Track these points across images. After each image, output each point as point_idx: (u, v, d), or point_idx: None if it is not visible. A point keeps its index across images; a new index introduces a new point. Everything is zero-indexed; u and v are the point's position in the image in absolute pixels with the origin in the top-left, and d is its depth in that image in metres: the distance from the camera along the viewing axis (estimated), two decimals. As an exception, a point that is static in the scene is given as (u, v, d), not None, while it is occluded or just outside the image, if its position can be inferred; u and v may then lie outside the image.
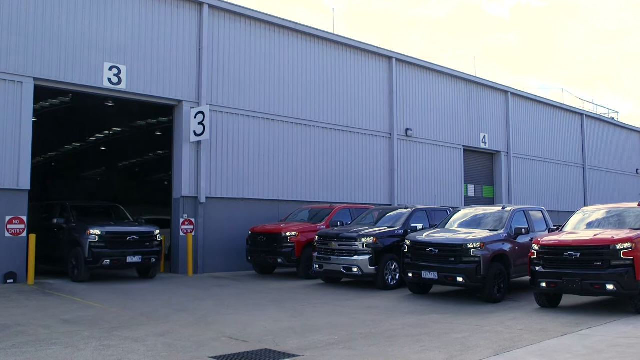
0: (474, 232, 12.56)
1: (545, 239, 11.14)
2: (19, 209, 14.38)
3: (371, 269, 13.60)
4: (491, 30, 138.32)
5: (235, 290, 13.96)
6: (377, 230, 14.21)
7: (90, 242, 14.23)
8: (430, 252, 12.12)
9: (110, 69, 15.92)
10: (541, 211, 14.55)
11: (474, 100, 27.03)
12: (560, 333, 8.70)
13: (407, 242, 12.78)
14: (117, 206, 17.59)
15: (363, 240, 13.73)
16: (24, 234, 14.38)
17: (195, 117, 17.07)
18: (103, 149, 33.42)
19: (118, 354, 7.39)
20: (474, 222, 13.46)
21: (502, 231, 12.60)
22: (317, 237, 14.84)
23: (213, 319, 9.99)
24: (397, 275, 13.92)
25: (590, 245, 10.34)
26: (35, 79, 14.73)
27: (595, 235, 10.69)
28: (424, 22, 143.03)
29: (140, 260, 14.91)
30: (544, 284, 10.68)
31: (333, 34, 21.32)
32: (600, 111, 38.13)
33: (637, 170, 38.87)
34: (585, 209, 12.89)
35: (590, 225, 11.72)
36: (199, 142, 17.37)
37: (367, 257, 13.61)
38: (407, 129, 23.68)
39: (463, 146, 26.36)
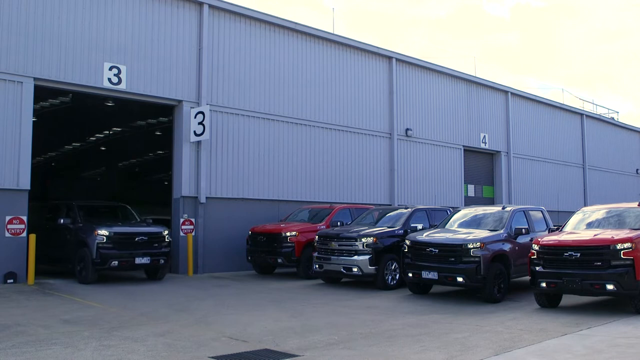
0: (474, 232, 12.56)
1: (545, 239, 11.14)
2: (19, 209, 14.37)
3: (371, 269, 13.60)
4: (491, 30, 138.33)
5: (235, 290, 13.95)
6: (377, 230, 14.21)
7: (97, 242, 13.90)
8: (430, 252, 12.12)
9: (110, 69, 15.92)
10: (541, 211, 14.55)
11: (474, 100, 27.03)
12: (560, 333, 8.70)
13: (407, 242, 12.78)
14: (124, 206, 17.15)
15: (363, 240, 13.73)
16: (24, 234, 14.37)
17: (195, 117, 17.07)
18: (103, 149, 33.44)
19: (118, 354, 7.39)
20: (474, 222, 13.46)
21: (502, 231, 12.59)
22: (317, 237, 14.84)
23: (213, 319, 9.99)
24: (397, 275, 13.91)
25: (590, 245, 10.33)
26: (35, 79, 14.73)
27: (595, 235, 10.69)
28: (424, 22, 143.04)
29: (148, 262, 14.57)
30: (544, 284, 10.68)
31: (333, 34, 21.32)
32: (600, 111, 38.16)
33: (637, 170, 38.87)
34: (585, 209, 12.88)
35: (590, 225, 11.72)
36: (199, 142, 17.37)
37: (367, 257, 13.61)
38: (407, 129, 23.67)
39: (463, 146, 26.36)
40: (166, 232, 15.16)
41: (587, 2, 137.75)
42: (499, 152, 28.33)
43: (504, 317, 10.17)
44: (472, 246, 11.73)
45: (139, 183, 39.38)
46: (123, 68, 16.12)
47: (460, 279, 11.67)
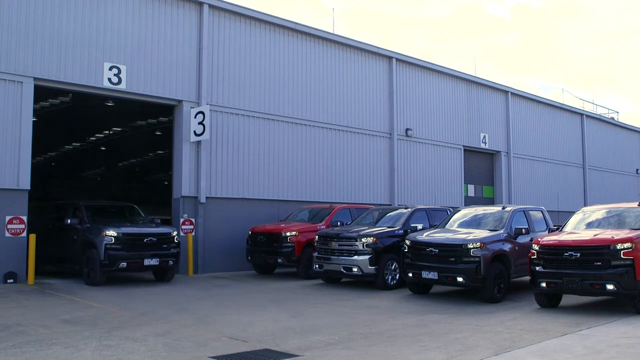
0: (474, 232, 12.55)
1: (545, 239, 11.13)
2: (19, 208, 14.37)
3: (371, 269, 13.60)
4: (491, 30, 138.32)
5: (235, 290, 13.95)
6: (377, 230, 14.21)
7: (106, 243, 13.58)
8: (430, 252, 12.12)
9: (110, 68, 15.92)
10: (541, 211, 14.55)
11: (474, 100, 27.03)
12: (560, 333, 8.70)
13: (407, 242, 12.78)
14: (132, 206, 16.76)
15: (363, 240, 13.73)
16: (24, 234, 14.37)
17: (195, 117, 17.07)
18: (103, 149, 33.44)
19: (118, 354, 7.39)
20: (474, 222, 13.46)
21: (502, 231, 12.59)
22: (317, 237, 14.84)
23: (213, 319, 9.99)
24: (397, 275, 13.91)
25: (590, 245, 10.33)
26: (35, 79, 14.73)
27: (595, 235, 10.69)
28: (424, 22, 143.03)
29: (157, 263, 14.27)
30: (544, 284, 10.68)
31: (333, 34, 21.32)
32: (600, 111, 38.16)
33: (637, 170, 38.87)
34: (585, 209, 12.88)
35: (590, 225, 11.72)
36: (199, 142, 17.37)
37: (367, 257, 13.61)
38: (407, 129, 23.67)
39: (463, 146, 26.36)
40: (175, 232, 14.89)
41: (587, 2, 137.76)
42: (499, 152, 28.33)
43: (504, 317, 10.17)
44: (472, 246, 11.73)
45: (139, 183, 39.35)
46: (123, 68, 16.12)
47: (460, 279, 11.67)
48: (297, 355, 7.44)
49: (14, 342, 8.00)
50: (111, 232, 13.73)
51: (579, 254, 10.31)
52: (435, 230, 13.28)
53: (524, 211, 13.76)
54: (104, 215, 15.63)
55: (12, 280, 14.00)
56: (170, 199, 17.89)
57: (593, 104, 48.97)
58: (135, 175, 40.41)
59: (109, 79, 15.89)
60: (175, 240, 14.77)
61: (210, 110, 17.17)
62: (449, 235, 12.61)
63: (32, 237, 14.18)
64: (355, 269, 13.73)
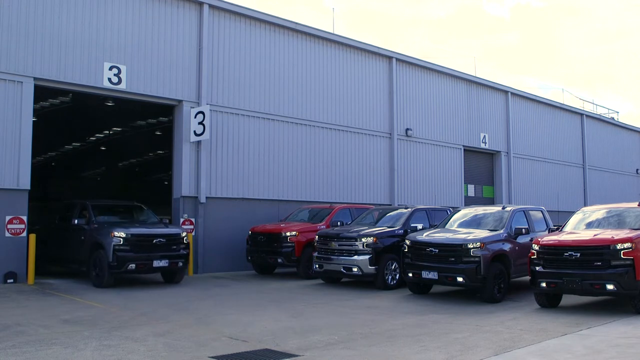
0: (474, 232, 12.55)
1: (545, 239, 11.13)
2: (19, 208, 14.37)
3: (371, 268, 13.59)
4: (491, 30, 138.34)
5: (235, 290, 13.95)
6: (377, 230, 14.21)
7: (114, 245, 13.24)
8: (430, 252, 12.12)
9: (110, 68, 15.92)
10: (541, 211, 14.55)
11: (474, 100, 27.03)
12: (560, 333, 8.70)
13: (407, 242, 12.78)
14: (140, 206, 16.29)
15: (363, 240, 13.73)
16: (24, 234, 14.36)
17: (195, 117, 17.07)
18: (103, 149, 33.43)
19: (118, 354, 7.39)
20: (474, 222, 13.46)
21: (502, 231, 12.59)
22: (317, 237, 14.84)
23: (213, 319, 9.99)
24: (397, 275, 13.91)
25: (590, 245, 10.33)
26: (35, 79, 14.73)
27: (595, 235, 10.69)
28: (424, 22, 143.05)
29: (167, 265, 13.91)
30: (544, 284, 10.68)
31: (333, 34, 21.32)
32: (600, 111, 38.16)
33: (637, 170, 38.87)
34: (585, 209, 12.88)
35: (590, 225, 11.72)
36: (199, 142, 17.37)
37: (367, 257, 13.61)
38: (407, 129, 23.68)
39: (463, 146, 26.36)
40: (184, 233, 14.58)
41: (587, 2, 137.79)
42: (499, 152, 28.33)
43: (504, 317, 10.17)
44: (472, 246, 11.73)
45: (139, 183, 39.35)
46: (123, 68, 16.12)
47: (460, 279, 11.67)
48: (297, 355, 7.44)
49: (14, 342, 8.00)
50: (120, 233, 13.43)
51: (579, 254, 10.31)
52: (435, 230, 13.28)
53: (524, 211, 13.76)
54: (112, 215, 15.29)
55: (12, 280, 14.00)
56: (170, 199, 17.89)
57: (593, 104, 49.02)
58: (135, 175, 40.42)
59: (109, 79, 15.89)
60: (185, 241, 14.45)
61: (210, 110, 17.17)
62: (449, 235, 12.61)
63: (32, 237, 14.18)
64: (355, 269, 13.73)
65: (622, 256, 9.96)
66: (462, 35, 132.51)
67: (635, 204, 11.95)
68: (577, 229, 11.67)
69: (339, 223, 15.61)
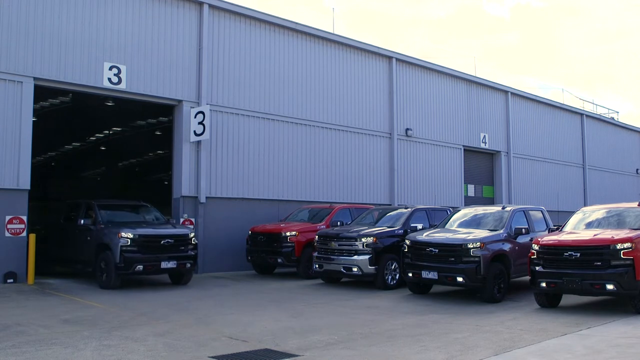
0: (473, 232, 12.55)
1: (545, 239, 11.13)
2: (19, 208, 14.37)
3: (371, 268, 13.59)
4: (491, 30, 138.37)
5: (235, 290, 13.95)
6: (377, 230, 14.21)
7: (121, 245, 12.99)
8: (430, 252, 12.12)
9: (110, 68, 15.92)
10: (541, 211, 14.55)
11: (474, 100, 27.03)
12: (560, 333, 8.70)
13: (407, 242, 12.78)
14: (147, 205, 15.96)
15: (363, 240, 13.73)
16: (24, 234, 14.36)
17: (195, 117, 17.07)
18: (103, 149, 33.42)
19: (118, 353, 7.39)
20: (474, 222, 13.46)
21: (502, 231, 12.59)
22: (317, 237, 14.84)
23: (213, 319, 9.99)
24: (397, 275, 13.91)
25: (590, 245, 10.34)
26: (35, 78, 14.73)
27: (595, 235, 10.69)
28: (424, 22, 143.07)
29: (175, 266, 13.67)
30: (544, 284, 10.68)
31: (333, 34, 21.32)
32: (600, 111, 38.15)
33: (637, 170, 38.87)
34: (585, 209, 12.88)
35: (590, 225, 11.72)
36: (199, 142, 17.37)
37: (367, 257, 13.61)
38: (407, 129, 23.68)
39: (463, 146, 26.36)
40: (192, 234, 14.34)
41: (587, 2, 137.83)
42: (499, 152, 28.33)
43: (504, 317, 10.17)
44: (472, 246, 11.73)
45: (139, 183, 39.34)
46: (123, 68, 16.12)
47: (460, 279, 11.67)
48: (297, 355, 7.44)
49: (13, 342, 8.00)
50: (127, 234, 13.19)
51: (579, 254, 10.31)
52: (435, 230, 13.28)
53: (523, 211, 13.76)
54: (118, 215, 14.93)
55: (12, 280, 14.00)
56: (170, 199, 17.89)
57: (593, 104, 48.98)
58: (135, 175, 40.41)
59: (109, 79, 15.89)
60: (193, 242, 14.21)
61: (210, 110, 17.17)
62: (449, 235, 12.61)
63: (32, 236, 14.18)
64: (355, 269, 13.73)
65: (622, 256, 9.96)
66: (462, 35, 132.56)
67: (635, 204, 11.95)
68: (577, 229, 11.67)
69: (339, 223, 15.61)
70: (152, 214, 15.54)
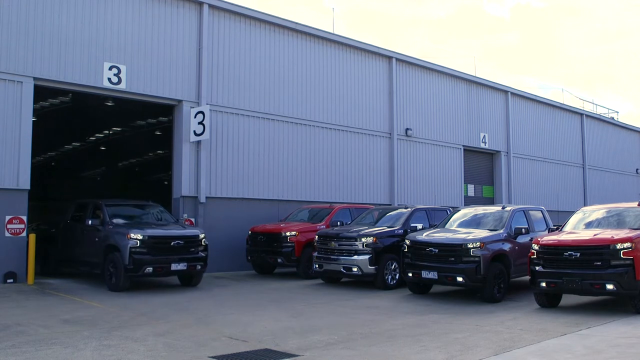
0: (473, 232, 12.55)
1: (545, 238, 11.13)
2: (19, 208, 14.36)
3: (371, 268, 13.59)
4: (491, 30, 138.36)
5: (235, 290, 13.95)
6: (377, 230, 14.21)
7: (130, 247, 12.64)
8: (430, 251, 12.12)
9: (110, 68, 15.92)
10: (541, 211, 14.55)
11: (474, 100, 27.03)
12: (560, 333, 8.70)
13: (407, 241, 12.78)
14: (156, 205, 15.58)
15: (363, 240, 13.73)
16: (24, 234, 14.35)
17: (195, 116, 17.07)
18: (103, 149, 33.43)
19: (118, 353, 7.39)
20: (474, 222, 13.46)
21: (502, 231, 12.59)
22: (317, 236, 14.84)
23: (213, 319, 9.99)
24: (397, 275, 13.91)
25: (590, 245, 10.34)
26: (35, 78, 14.72)
27: (595, 235, 10.69)
28: (424, 22, 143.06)
29: (185, 268, 13.33)
30: (544, 284, 10.68)
31: (333, 34, 21.32)
32: (600, 111, 38.15)
33: (637, 170, 38.87)
34: (585, 208, 12.88)
35: (590, 225, 11.72)
36: (198, 142, 17.37)
37: (367, 257, 13.61)
38: (407, 129, 23.67)
39: (463, 146, 26.35)
40: (203, 235, 13.97)
41: (587, 2, 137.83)
42: (499, 152, 28.33)
43: (504, 317, 10.17)
44: (472, 246, 11.73)
45: (138, 183, 39.34)
46: (123, 68, 16.12)
47: (460, 279, 11.67)
48: (297, 355, 7.44)
49: (13, 342, 8.00)
50: (137, 235, 12.84)
51: (578, 254, 10.31)
52: (435, 230, 13.28)
53: (523, 211, 13.76)
54: (127, 215, 14.53)
55: (12, 280, 14.00)
56: (170, 199, 17.89)
57: (593, 104, 48.99)
58: (135, 175, 40.40)
59: (109, 79, 15.89)
60: (203, 243, 13.84)
61: (210, 110, 17.17)
62: (449, 235, 12.61)
63: (32, 236, 14.16)
64: (355, 269, 13.73)
65: (621, 256, 9.96)
66: (462, 35, 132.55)
67: (635, 204, 11.95)
68: (577, 229, 11.67)
69: (338, 223, 15.61)
70: (160, 214, 15.19)
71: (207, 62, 17.74)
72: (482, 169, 27.93)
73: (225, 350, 7.68)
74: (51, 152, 34.17)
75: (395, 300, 12.42)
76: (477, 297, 12.13)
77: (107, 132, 29.63)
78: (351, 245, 13.88)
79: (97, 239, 13.74)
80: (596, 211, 12.24)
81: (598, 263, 10.15)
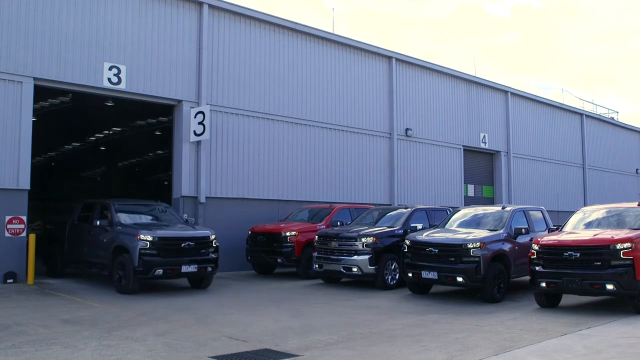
0: (473, 232, 12.55)
1: (545, 238, 11.13)
2: (19, 208, 14.36)
3: (371, 268, 13.59)
4: (491, 30, 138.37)
5: (235, 290, 13.94)
6: (377, 230, 14.21)
7: (140, 248, 12.30)
8: (430, 252, 12.12)
9: (110, 68, 15.91)
10: (541, 211, 14.55)
11: (474, 100, 27.02)
12: (560, 333, 8.70)
13: (407, 242, 12.78)
14: (165, 205, 15.35)
15: (363, 240, 13.73)
16: (24, 234, 14.34)
17: (195, 117, 17.07)
18: (103, 149, 33.43)
19: (118, 353, 7.39)
20: (474, 222, 13.46)
21: (502, 231, 12.59)
22: (317, 236, 14.84)
23: (213, 319, 9.99)
24: (397, 275, 13.91)
25: (590, 245, 10.34)
26: (35, 78, 14.72)
27: (595, 235, 10.69)
28: (424, 22, 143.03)
29: (196, 270, 12.98)
30: (544, 284, 10.68)
31: (333, 34, 21.32)
32: (600, 111, 38.14)
33: (637, 170, 38.86)
34: (585, 208, 12.88)
35: (590, 225, 11.72)
36: (198, 142, 17.37)
37: (367, 257, 13.61)
38: (407, 129, 23.67)
39: (463, 146, 26.35)
40: (213, 236, 13.62)
41: (587, 2, 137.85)
42: (499, 152, 28.33)
43: (504, 317, 10.17)
44: (472, 246, 11.73)
45: (138, 183, 39.34)
46: (123, 68, 16.11)
47: (460, 279, 11.67)
48: (297, 355, 7.44)
49: (13, 342, 8.00)
50: (146, 236, 12.49)
51: (578, 254, 10.31)
52: (435, 230, 13.28)
53: (523, 211, 13.76)
54: (136, 216, 14.15)
55: (11, 280, 13.99)
56: (170, 199, 17.88)
57: (593, 104, 48.99)
58: (135, 175, 40.42)
59: (109, 79, 15.89)
60: (214, 245, 13.52)
61: (210, 110, 17.16)
62: (449, 235, 12.61)
63: (32, 236, 14.16)
64: (355, 269, 13.73)
65: (621, 256, 9.96)
66: (462, 35, 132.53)
67: (635, 204, 11.95)
68: (577, 229, 11.67)
69: (338, 223, 15.61)
70: (170, 215, 14.89)
71: (207, 62, 17.74)
72: (482, 169, 27.93)
73: (225, 350, 7.68)
74: (51, 152, 34.18)
75: (395, 300, 12.42)
76: (477, 297, 12.13)
77: (107, 132, 29.64)
78: (351, 245, 13.88)
79: (105, 240, 13.46)
80: (596, 211, 12.24)
81: (598, 263, 10.15)
